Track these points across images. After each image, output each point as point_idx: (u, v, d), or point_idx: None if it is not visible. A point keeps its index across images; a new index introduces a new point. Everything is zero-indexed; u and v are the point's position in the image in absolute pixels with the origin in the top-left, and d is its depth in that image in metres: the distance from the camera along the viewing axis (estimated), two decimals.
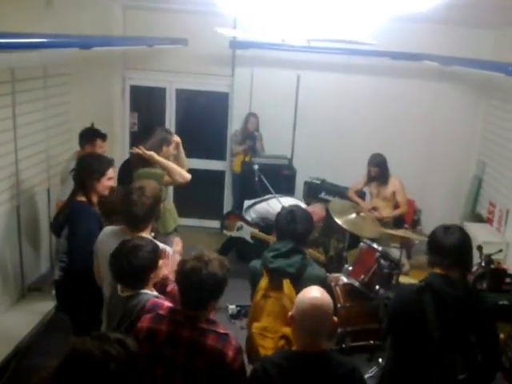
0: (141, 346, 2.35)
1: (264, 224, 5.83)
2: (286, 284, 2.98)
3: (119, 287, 2.79)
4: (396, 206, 5.79)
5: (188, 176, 4.22)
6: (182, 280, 2.41)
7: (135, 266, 2.67)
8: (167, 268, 2.96)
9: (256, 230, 5.86)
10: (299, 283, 2.95)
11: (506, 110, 6.28)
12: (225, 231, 6.04)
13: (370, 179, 5.81)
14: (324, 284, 3.12)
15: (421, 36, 6.35)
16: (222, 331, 2.40)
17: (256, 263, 3.18)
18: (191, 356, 2.34)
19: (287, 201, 5.42)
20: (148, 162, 4.23)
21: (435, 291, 2.70)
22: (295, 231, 3.11)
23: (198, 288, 2.35)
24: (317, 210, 5.70)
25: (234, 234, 5.97)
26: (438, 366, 2.70)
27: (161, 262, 2.83)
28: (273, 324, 3.02)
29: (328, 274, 4.60)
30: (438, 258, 2.78)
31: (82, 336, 1.70)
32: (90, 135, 4.72)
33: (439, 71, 6.57)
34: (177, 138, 4.54)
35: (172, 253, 3.19)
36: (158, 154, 4.25)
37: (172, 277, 2.84)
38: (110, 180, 3.60)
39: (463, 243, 2.79)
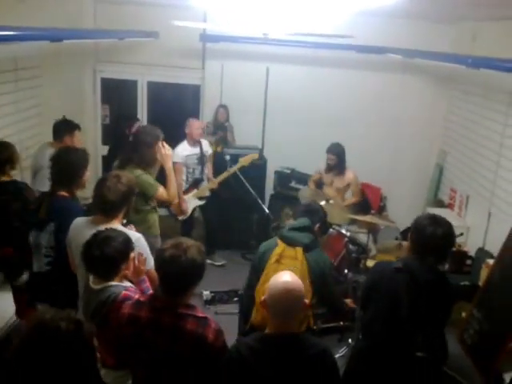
0: (123, 330, 2.44)
1: (192, 180, 5.90)
2: (299, 250, 3.26)
3: (91, 278, 2.79)
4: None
5: (176, 199, 4.50)
6: (162, 268, 2.41)
7: (107, 255, 2.67)
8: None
9: (194, 191, 5.89)
10: (309, 258, 3.25)
11: (467, 100, 6.42)
12: (180, 218, 5.88)
13: (329, 168, 5.81)
14: (329, 270, 3.44)
15: (384, 30, 6.44)
16: (201, 315, 2.43)
17: (266, 243, 3.51)
18: (173, 341, 2.38)
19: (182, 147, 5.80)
20: (144, 163, 4.19)
21: (412, 274, 2.81)
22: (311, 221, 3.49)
23: (178, 275, 2.36)
24: (192, 123, 5.87)
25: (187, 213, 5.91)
26: (402, 343, 2.84)
27: (132, 254, 2.82)
28: None
29: None
30: (419, 247, 2.87)
31: (53, 308, 1.81)
32: (69, 127, 4.72)
33: (403, 64, 6.66)
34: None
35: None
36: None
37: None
38: (88, 172, 3.65)
39: (448, 239, 2.86)
